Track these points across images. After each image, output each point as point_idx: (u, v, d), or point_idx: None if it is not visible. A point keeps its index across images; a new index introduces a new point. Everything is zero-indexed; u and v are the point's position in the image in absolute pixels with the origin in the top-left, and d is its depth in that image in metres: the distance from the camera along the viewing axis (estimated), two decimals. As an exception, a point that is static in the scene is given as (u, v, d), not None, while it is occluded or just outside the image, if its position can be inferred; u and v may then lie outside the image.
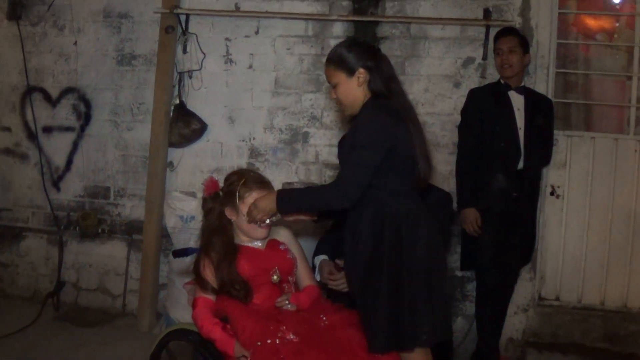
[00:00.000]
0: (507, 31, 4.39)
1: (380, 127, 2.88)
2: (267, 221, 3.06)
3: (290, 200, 2.99)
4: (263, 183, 3.16)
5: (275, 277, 3.07)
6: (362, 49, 3.04)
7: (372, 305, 2.87)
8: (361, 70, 2.98)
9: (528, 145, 4.27)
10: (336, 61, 3.03)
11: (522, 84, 4.41)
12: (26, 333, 4.69)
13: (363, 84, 2.99)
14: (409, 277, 2.84)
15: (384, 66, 3.05)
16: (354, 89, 3.00)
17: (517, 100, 4.33)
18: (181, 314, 4.46)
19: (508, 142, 4.26)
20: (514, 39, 4.32)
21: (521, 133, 4.27)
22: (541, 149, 4.43)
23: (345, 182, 2.85)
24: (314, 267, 3.63)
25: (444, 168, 4.69)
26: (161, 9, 4.89)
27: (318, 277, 3.55)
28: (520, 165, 4.26)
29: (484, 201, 4.25)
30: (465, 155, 4.36)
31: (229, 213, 3.12)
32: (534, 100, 4.36)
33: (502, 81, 4.38)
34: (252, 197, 3.07)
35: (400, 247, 2.86)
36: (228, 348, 2.83)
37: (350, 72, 2.99)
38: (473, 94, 4.44)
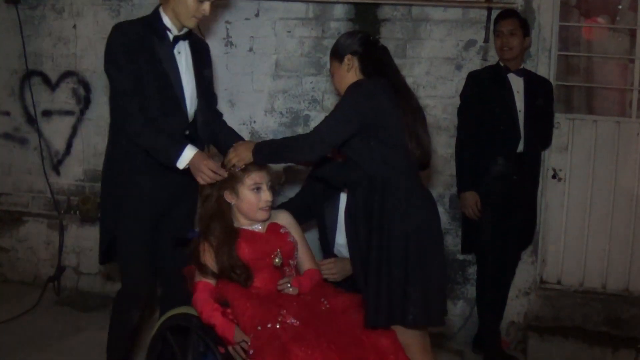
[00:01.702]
0: (508, 13, 4.37)
1: (363, 93, 2.97)
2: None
3: (265, 150, 3.06)
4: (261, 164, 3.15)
5: (277, 260, 3.06)
6: (352, 37, 3.21)
7: (366, 281, 2.92)
8: (349, 56, 3.14)
9: (528, 128, 4.26)
10: (331, 51, 3.24)
11: (522, 67, 4.40)
12: (27, 318, 4.69)
13: (352, 69, 3.14)
14: (399, 254, 2.88)
15: (375, 51, 3.19)
16: (345, 75, 3.16)
17: (517, 83, 4.31)
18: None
19: (508, 125, 4.24)
20: (515, 21, 4.29)
21: (521, 116, 4.26)
22: (541, 132, 4.43)
23: (316, 136, 2.96)
24: None
25: (445, 151, 4.68)
26: (160, -9, 4.86)
27: None
28: (520, 148, 4.25)
29: (484, 184, 4.25)
30: (464, 138, 4.35)
31: (228, 197, 3.11)
32: (533, 83, 4.35)
33: (501, 64, 4.37)
34: (251, 179, 3.07)
35: (391, 223, 2.90)
36: (228, 333, 2.82)
37: (340, 59, 3.16)
38: (472, 77, 4.42)
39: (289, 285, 3.04)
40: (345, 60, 3.14)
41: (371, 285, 2.89)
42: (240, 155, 3.07)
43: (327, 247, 3.73)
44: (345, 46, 3.17)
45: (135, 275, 3.38)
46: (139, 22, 3.30)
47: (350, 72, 3.13)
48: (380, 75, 3.10)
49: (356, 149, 3.00)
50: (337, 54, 3.18)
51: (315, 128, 3.00)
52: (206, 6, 3.20)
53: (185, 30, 3.32)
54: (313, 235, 3.89)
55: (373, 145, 2.96)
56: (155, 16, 3.28)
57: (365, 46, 3.16)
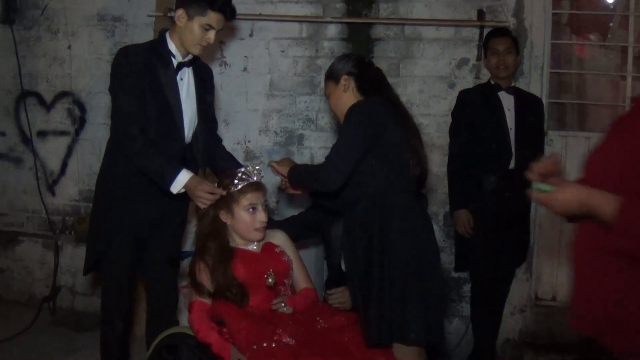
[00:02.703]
0: (502, 32, 4.39)
1: (366, 114, 3.00)
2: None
3: (296, 174, 3.18)
4: (257, 184, 3.16)
5: (270, 280, 3.08)
6: (347, 59, 3.26)
7: (367, 299, 2.92)
8: (345, 76, 3.17)
9: (519, 146, 4.27)
10: (327, 74, 3.28)
11: (513, 84, 4.42)
12: (22, 338, 4.67)
13: (349, 89, 3.18)
14: (399, 271, 2.89)
15: (371, 72, 3.25)
16: (341, 95, 3.19)
17: (507, 101, 4.32)
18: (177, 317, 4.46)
19: (499, 143, 4.26)
20: (509, 40, 4.32)
21: (512, 133, 4.27)
22: (533, 149, 4.43)
23: (331, 168, 2.98)
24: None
25: (439, 169, 4.69)
26: (155, 12, 4.88)
27: None
28: (512, 165, 4.26)
29: (477, 202, 4.26)
30: (456, 157, 4.37)
31: (223, 217, 3.12)
32: (524, 100, 4.36)
33: (492, 82, 4.39)
34: (246, 199, 3.09)
35: (390, 243, 2.92)
36: (224, 352, 2.83)
37: (336, 80, 3.20)
38: (463, 95, 4.44)
39: (283, 304, 3.05)
40: (342, 81, 3.17)
41: (372, 303, 2.89)
42: (282, 169, 3.24)
43: (332, 264, 3.74)
44: (340, 68, 3.21)
45: (117, 289, 3.45)
46: (145, 46, 3.39)
47: (347, 92, 3.17)
48: (377, 94, 3.14)
49: (358, 167, 3.00)
50: (332, 76, 3.22)
51: (328, 159, 3.03)
52: (211, 34, 3.25)
53: (189, 56, 3.37)
54: (313, 254, 3.90)
55: (374, 163, 2.99)
56: (161, 41, 3.35)
57: (361, 67, 3.21)
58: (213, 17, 3.25)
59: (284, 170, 3.23)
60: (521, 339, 4.73)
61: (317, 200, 3.43)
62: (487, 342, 4.41)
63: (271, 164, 3.31)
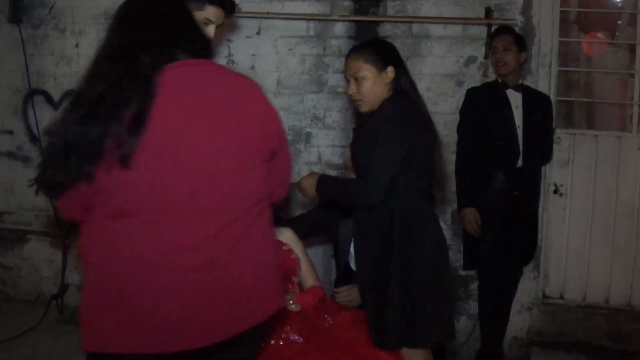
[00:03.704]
0: (502, 30, 4.40)
1: (405, 123, 2.90)
2: None
3: (327, 187, 3.07)
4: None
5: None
6: (393, 49, 3.13)
7: (384, 303, 2.88)
8: (391, 67, 3.02)
9: (527, 144, 4.27)
10: (367, 54, 3.05)
11: (520, 82, 4.41)
12: (30, 336, 4.68)
13: (389, 82, 3.03)
14: (420, 276, 2.87)
15: (409, 74, 3.12)
16: (381, 85, 3.03)
17: (515, 99, 4.32)
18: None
19: (507, 141, 4.25)
20: (509, 37, 4.31)
21: (520, 131, 4.27)
22: (541, 147, 4.43)
23: (371, 183, 2.88)
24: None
25: (446, 167, 4.65)
26: (162, 10, 4.88)
27: None
28: (519, 163, 4.26)
29: (484, 200, 4.25)
30: (464, 155, 4.37)
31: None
32: (532, 98, 4.36)
33: (499, 80, 4.38)
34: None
35: (409, 246, 2.88)
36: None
37: (381, 67, 3.02)
38: (470, 93, 4.44)
39: (291, 302, 3.05)
40: (388, 70, 3.02)
41: (389, 307, 2.87)
42: (306, 192, 3.12)
43: (340, 263, 3.74)
44: (390, 55, 3.07)
45: None
46: None
47: (387, 85, 3.04)
48: (413, 94, 3.07)
49: None
50: (379, 61, 3.04)
51: (371, 174, 2.89)
52: (211, 29, 3.22)
53: None
54: (321, 252, 3.90)
55: (402, 171, 2.91)
56: None
57: (403, 63, 3.11)
58: (211, 11, 3.22)
59: (309, 191, 3.12)
60: (529, 337, 4.72)
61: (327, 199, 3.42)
62: (495, 340, 4.40)
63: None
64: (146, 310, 1.85)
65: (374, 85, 3.02)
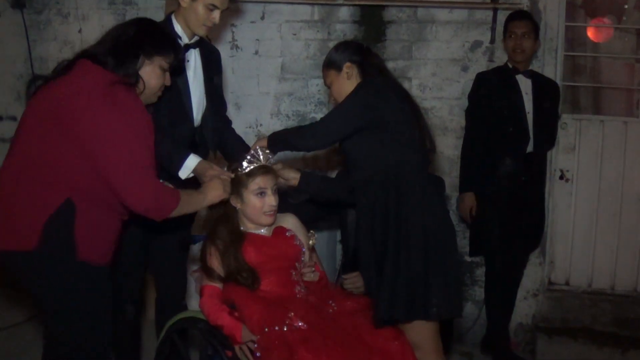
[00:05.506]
0: (522, 15, 4.35)
1: (372, 89, 3.03)
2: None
3: (276, 138, 3.21)
4: (266, 168, 3.12)
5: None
6: (346, 47, 3.26)
7: (382, 277, 2.93)
8: (347, 64, 3.16)
9: (536, 129, 4.26)
10: (326, 63, 3.26)
11: (529, 68, 4.38)
12: (36, 321, 4.69)
13: (352, 77, 3.16)
14: (417, 247, 2.91)
15: (373, 59, 3.25)
16: (345, 83, 3.17)
17: (525, 84, 4.30)
18: (189, 302, 4.46)
19: (516, 126, 4.24)
20: (529, 23, 4.28)
21: (529, 117, 4.26)
22: (549, 133, 4.42)
23: (321, 127, 3.10)
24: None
25: (452, 152, 4.67)
26: (166, -5, 4.87)
27: None
28: (529, 149, 4.25)
29: (492, 185, 4.24)
30: (472, 139, 4.35)
31: (233, 201, 3.10)
32: (541, 84, 4.34)
33: (509, 65, 4.35)
34: (256, 184, 3.04)
35: (406, 216, 2.93)
36: (236, 332, 2.82)
37: (338, 68, 3.18)
38: (480, 78, 4.41)
39: (312, 269, 3.10)
40: (344, 68, 3.16)
41: (388, 280, 2.90)
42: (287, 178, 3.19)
43: (347, 248, 3.74)
44: (341, 56, 3.20)
45: (128, 273, 3.43)
46: None
47: (351, 80, 3.16)
48: (380, 76, 3.16)
49: (368, 147, 3.02)
50: (333, 64, 3.21)
51: (322, 118, 3.12)
52: (216, 14, 3.21)
53: (196, 38, 3.33)
54: (325, 237, 3.89)
55: (386, 142, 2.99)
56: (167, 23, 3.30)
57: (362, 53, 3.21)
58: None
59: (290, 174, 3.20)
60: (534, 323, 4.73)
61: (330, 198, 3.42)
62: (500, 326, 4.41)
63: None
64: None
65: (340, 86, 3.20)
